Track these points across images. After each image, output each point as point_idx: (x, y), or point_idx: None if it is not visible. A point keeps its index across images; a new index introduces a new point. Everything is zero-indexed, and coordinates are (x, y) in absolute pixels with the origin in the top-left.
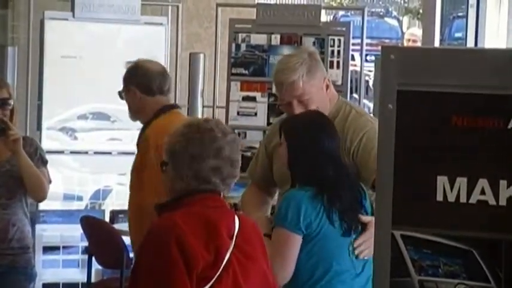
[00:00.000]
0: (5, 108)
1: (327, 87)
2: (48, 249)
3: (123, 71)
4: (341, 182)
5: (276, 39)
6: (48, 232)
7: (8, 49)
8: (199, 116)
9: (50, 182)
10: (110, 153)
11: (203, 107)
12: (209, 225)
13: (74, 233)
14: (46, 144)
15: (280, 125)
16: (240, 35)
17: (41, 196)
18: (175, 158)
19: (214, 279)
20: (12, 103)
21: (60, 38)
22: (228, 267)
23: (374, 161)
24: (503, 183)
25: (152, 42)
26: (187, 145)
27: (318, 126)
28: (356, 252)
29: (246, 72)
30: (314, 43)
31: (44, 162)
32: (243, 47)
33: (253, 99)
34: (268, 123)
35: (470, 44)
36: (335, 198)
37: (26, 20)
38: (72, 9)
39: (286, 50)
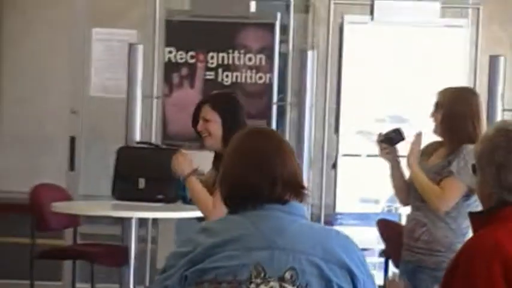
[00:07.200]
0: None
1: None
2: None
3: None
4: None
5: None
6: None
7: (308, 53)
8: None
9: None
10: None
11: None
12: None
13: (370, 235)
14: (343, 147)
15: None
16: None
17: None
18: (481, 163)
19: None
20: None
21: (358, 42)
22: None
23: None
24: None
25: (451, 46)
26: (493, 151)
27: None
28: None
29: None
30: None
31: None
32: None
33: None
34: None
35: None
36: None
37: (325, 24)
38: (372, 13)
39: None
